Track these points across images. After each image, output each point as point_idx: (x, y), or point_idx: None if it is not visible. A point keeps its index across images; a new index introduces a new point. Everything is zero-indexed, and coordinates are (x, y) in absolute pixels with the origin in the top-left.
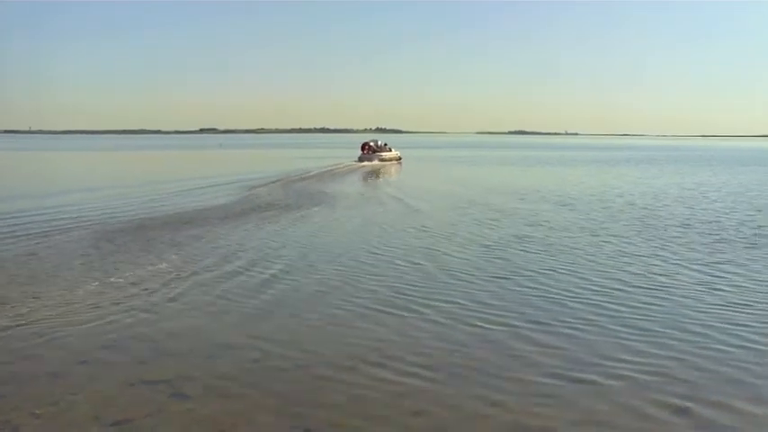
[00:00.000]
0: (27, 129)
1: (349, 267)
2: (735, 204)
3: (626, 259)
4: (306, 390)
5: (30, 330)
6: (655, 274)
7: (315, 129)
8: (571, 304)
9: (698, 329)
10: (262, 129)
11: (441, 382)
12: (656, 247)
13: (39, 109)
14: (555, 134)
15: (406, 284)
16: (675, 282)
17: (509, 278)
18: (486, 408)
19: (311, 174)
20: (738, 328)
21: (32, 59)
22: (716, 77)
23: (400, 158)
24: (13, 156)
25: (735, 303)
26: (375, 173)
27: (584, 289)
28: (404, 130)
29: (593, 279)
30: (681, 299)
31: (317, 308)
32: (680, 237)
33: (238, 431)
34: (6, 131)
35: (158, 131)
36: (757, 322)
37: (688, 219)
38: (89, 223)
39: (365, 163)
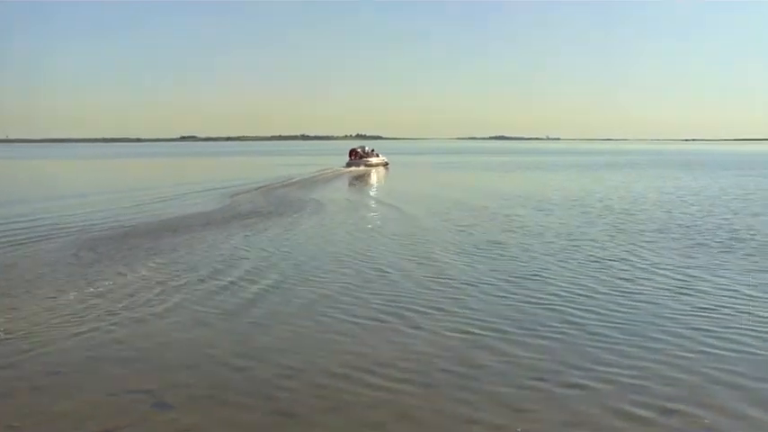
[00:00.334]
0: (4, 137)
1: (337, 275)
2: (712, 208)
3: (596, 265)
4: (289, 398)
5: (8, 342)
6: (621, 279)
7: (295, 136)
8: (534, 311)
9: (660, 336)
10: (243, 136)
11: (424, 387)
12: (627, 251)
13: (16, 117)
14: (536, 139)
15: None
16: (643, 287)
17: (474, 285)
18: (450, 419)
19: (294, 180)
20: (700, 333)
21: (8, 65)
22: (698, 82)
23: (387, 164)
24: None
25: (703, 308)
26: (362, 178)
27: (552, 295)
28: (385, 136)
29: (562, 285)
30: (647, 305)
31: (302, 316)
32: (655, 241)
33: None
34: None
35: (138, 139)
36: (719, 327)
37: (666, 223)
38: (69, 232)
39: (353, 168)
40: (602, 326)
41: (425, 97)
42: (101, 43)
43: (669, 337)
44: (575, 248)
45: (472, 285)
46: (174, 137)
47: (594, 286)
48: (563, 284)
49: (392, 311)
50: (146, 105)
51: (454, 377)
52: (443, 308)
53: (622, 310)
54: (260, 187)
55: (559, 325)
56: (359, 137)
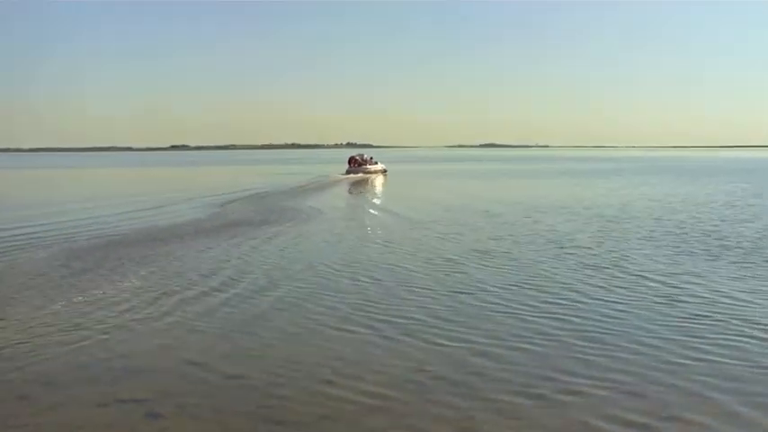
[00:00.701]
0: None
1: (332, 282)
2: (700, 215)
3: (588, 271)
4: (282, 406)
5: None
6: (615, 286)
7: (285, 144)
8: (531, 317)
9: (655, 342)
10: (233, 145)
11: (418, 394)
12: (617, 258)
13: (4, 126)
14: (525, 146)
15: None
16: (634, 294)
17: (470, 293)
18: (444, 426)
19: (295, 186)
20: (695, 340)
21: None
22: (687, 89)
23: (385, 171)
24: None
25: (695, 315)
26: (362, 184)
27: (546, 302)
28: (375, 144)
29: (555, 292)
30: (640, 311)
31: (295, 324)
32: (642, 248)
33: None
34: None
35: (129, 148)
36: (713, 333)
37: (653, 230)
38: (58, 241)
39: (351, 175)
40: (600, 333)
41: (414, 108)
42: (89, 49)
43: (665, 345)
44: (568, 255)
45: (467, 294)
46: (165, 146)
47: (588, 292)
48: (557, 291)
49: (385, 319)
50: (136, 114)
51: (448, 384)
52: (439, 315)
53: (617, 316)
54: (266, 193)
55: (555, 332)
56: (349, 145)
